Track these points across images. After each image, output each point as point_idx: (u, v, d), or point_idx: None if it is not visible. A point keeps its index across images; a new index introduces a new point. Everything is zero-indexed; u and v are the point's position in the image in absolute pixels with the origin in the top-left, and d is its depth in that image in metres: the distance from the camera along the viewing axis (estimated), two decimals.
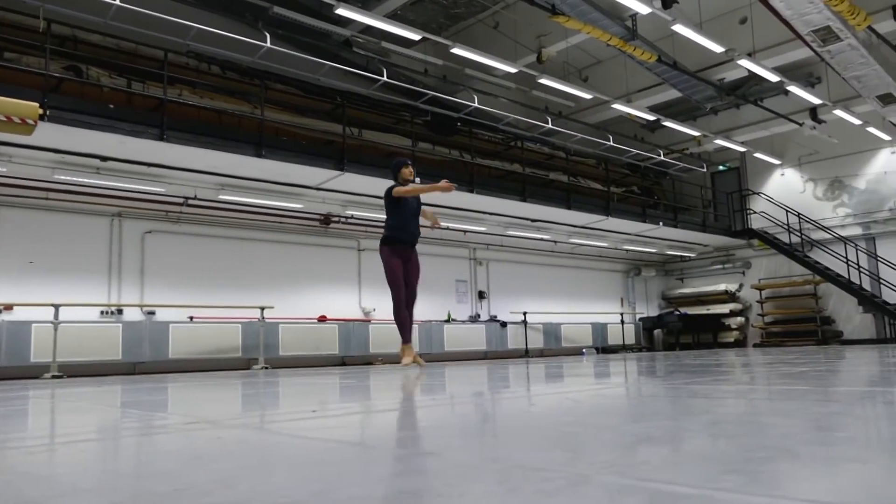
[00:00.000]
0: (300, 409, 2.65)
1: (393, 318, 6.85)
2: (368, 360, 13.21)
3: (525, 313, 15.96)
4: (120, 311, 11.26)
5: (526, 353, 15.62)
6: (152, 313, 11.39)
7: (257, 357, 11.16)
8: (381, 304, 14.39)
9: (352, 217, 13.11)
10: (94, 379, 7.65)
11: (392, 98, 13.47)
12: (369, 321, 13.94)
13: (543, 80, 13.91)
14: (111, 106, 9.17)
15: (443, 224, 13.76)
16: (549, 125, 14.58)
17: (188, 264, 12.05)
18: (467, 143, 13.82)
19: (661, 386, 3.37)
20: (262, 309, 11.36)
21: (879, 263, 16.69)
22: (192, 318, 11.47)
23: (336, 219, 13.28)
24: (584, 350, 16.62)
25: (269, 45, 10.79)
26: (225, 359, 11.35)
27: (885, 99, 13.53)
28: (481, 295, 16.39)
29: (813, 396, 2.45)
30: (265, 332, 11.47)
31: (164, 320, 11.05)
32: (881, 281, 16.53)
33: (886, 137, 16.44)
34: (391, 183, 6.99)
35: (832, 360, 5.86)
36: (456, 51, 12.40)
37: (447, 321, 15.09)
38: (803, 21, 10.88)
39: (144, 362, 10.49)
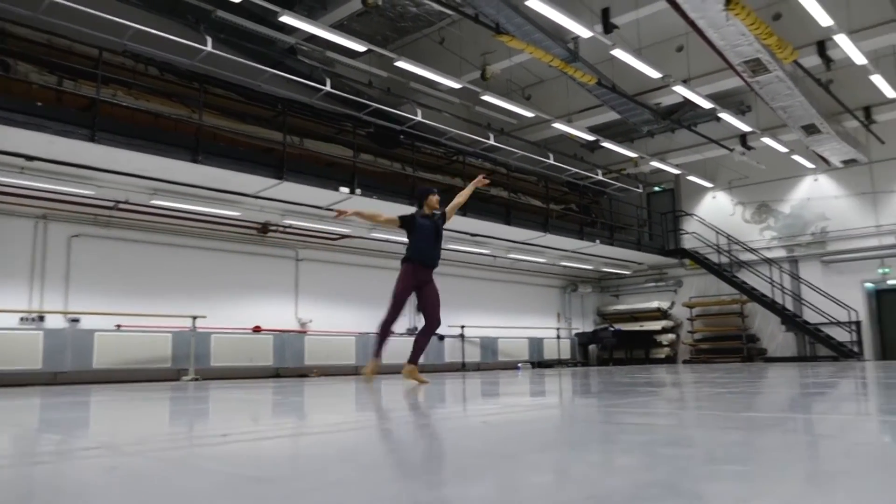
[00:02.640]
0: (212, 431, 2.59)
1: (379, 326, 6.98)
2: (303, 372, 13.03)
3: (463, 327, 16.02)
4: (41, 318, 10.80)
5: (463, 367, 15.66)
6: (76, 321, 10.96)
7: (187, 368, 10.87)
8: (318, 315, 14.24)
9: (290, 226, 12.94)
10: (8, 390, 7.32)
11: (335, 108, 13.41)
12: (305, 332, 13.75)
13: (487, 97, 14.06)
14: (39, 104, 8.83)
15: (382, 236, 13.79)
16: (492, 141, 14.73)
17: (117, 270, 11.67)
18: (410, 156, 13.84)
19: (582, 407, 3.43)
20: (194, 318, 11.08)
21: (801, 285, 17.43)
22: (119, 326, 11.09)
23: (274, 227, 13.08)
24: (519, 364, 16.77)
25: (209, 48, 10.60)
26: (153, 369, 11.01)
27: (809, 129, 14.19)
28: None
29: (722, 423, 2.54)
30: (196, 342, 11.18)
31: (89, 328, 10.65)
32: (802, 301, 17.26)
33: (810, 165, 17.22)
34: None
35: (753, 381, 6.07)
36: (400, 64, 12.43)
37: None
38: (735, 52, 11.34)
39: (66, 372, 10.08)
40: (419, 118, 13.27)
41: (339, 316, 14.60)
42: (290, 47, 13.61)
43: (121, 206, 10.87)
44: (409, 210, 7.47)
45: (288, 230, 13.18)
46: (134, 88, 10.49)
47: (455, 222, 13.99)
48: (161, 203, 10.78)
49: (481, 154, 15.74)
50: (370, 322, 15.00)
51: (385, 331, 6.94)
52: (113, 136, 9.07)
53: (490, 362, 16.58)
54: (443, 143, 15.00)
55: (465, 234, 14.85)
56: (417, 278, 6.90)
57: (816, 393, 4.44)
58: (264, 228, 13.04)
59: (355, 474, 1.43)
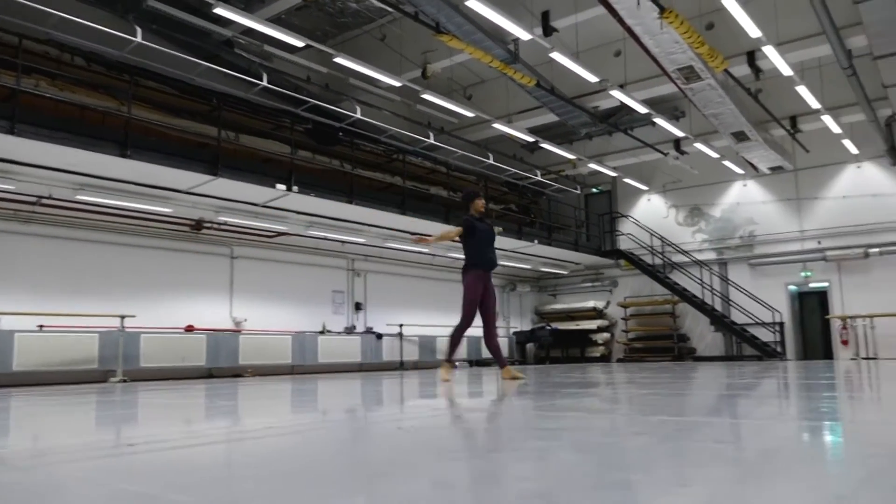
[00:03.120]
0: (123, 439, 2.52)
1: (451, 334, 6.97)
2: (238, 372, 12.81)
3: (401, 325, 16.01)
4: None
5: (401, 366, 15.65)
6: None
7: (115, 369, 10.54)
8: (253, 314, 14.00)
9: (225, 223, 12.67)
10: None
11: (272, 103, 13.19)
12: (240, 332, 13.51)
13: (427, 96, 14.07)
14: None
15: (320, 234, 13.66)
16: (432, 140, 14.75)
17: (40, 268, 11.20)
18: (348, 153, 13.75)
19: (500, 411, 3.47)
20: (122, 318, 10.75)
21: (730, 287, 18.06)
22: (41, 326, 10.66)
23: (208, 224, 12.79)
24: (456, 364, 16.85)
25: (139, 39, 10.27)
26: (79, 371, 10.62)
27: (739, 136, 14.69)
28: (358, 306, 16.29)
29: (633, 427, 2.61)
30: (125, 343, 10.85)
31: (9, 329, 10.20)
32: (730, 303, 17.89)
33: (740, 171, 17.85)
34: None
35: (678, 381, 6.24)
36: (340, 60, 12.34)
37: (322, 333, 14.88)
38: (670, 59, 11.64)
39: None
40: (358, 115, 13.18)
41: (275, 315, 14.39)
42: (226, 40, 13.31)
43: (44, 201, 10.44)
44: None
45: (223, 227, 12.91)
46: (58, 79, 10.08)
47: (394, 220, 13.99)
48: (87, 199, 10.40)
49: (421, 153, 15.75)
50: (308, 320, 14.91)
51: (457, 338, 6.97)
52: (35, 129, 8.71)
53: (428, 360, 16.61)
54: (382, 142, 14.93)
55: (405, 232, 14.83)
56: (484, 282, 6.94)
57: (735, 395, 4.60)
58: (198, 225, 12.75)
59: (257, 486, 1.41)
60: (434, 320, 17.36)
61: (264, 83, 11.93)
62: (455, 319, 6.99)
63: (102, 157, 9.39)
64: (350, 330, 15.84)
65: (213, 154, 10.83)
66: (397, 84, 13.82)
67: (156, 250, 12.78)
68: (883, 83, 12.81)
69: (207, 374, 12.51)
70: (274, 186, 11.51)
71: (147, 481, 1.53)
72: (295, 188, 11.74)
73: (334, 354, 14.64)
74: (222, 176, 10.71)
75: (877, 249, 16.26)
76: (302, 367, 13.92)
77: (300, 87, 13.69)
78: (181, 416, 3.85)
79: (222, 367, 12.62)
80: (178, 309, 12.83)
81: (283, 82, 13.19)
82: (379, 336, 15.73)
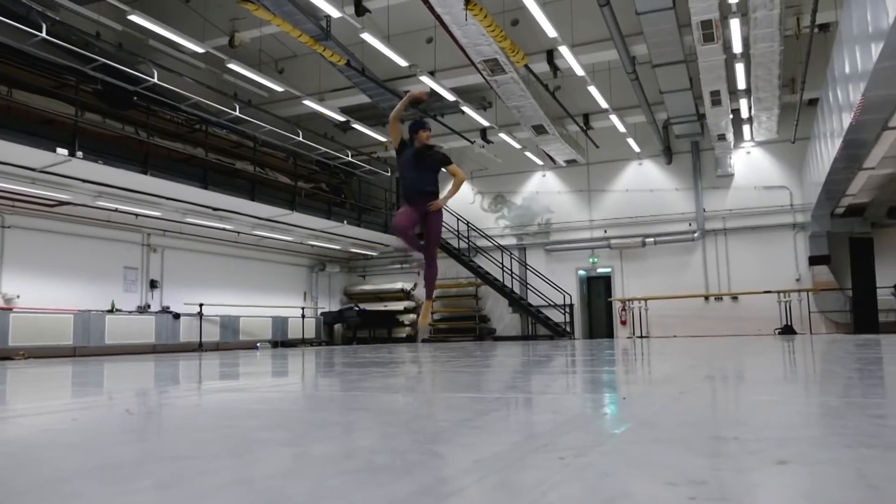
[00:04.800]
0: None
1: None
2: (7, 355, 11.51)
3: (201, 305, 15.28)
4: None
5: (200, 347, 14.95)
6: None
7: None
8: (28, 291, 12.67)
9: None
10: None
11: (55, 58, 11.90)
12: (10, 309, 12.13)
13: (234, 66, 13.47)
14: None
15: (111, 205, 12.61)
16: (237, 112, 14.13)
17: None
18: (144, 119, 12.78)
19: (270, 398, 3.45)
20: None
21: (528, 271, 19.27)
22: None
23: None
24: (258, 344, 16.43)
25: None
26: None
27: (539, 129, 15.66)
28: (153, 284, 15.28)
29: (402, 411, 2.70)
30: None
31: None
32: (528, 286, 19.09)
33: (539, 162, 19.05)
34: None
35: (468, 360, 6.56)
36: (135, 18, 11.41)
37: (111, 311, 13.78)
38: (476, 50, 12.09)
39: None
40: (156, 80, 12.29)
41: (56, 292, 13.10)
42: None
43: None
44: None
45: None
46: None
47: (195, 195, 13.26)
48: None
49: (227, 125, 15.05)
50: (95, 299, 13.75)
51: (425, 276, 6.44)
52: None
53: (230, 342, 16.03)
54: (184, 110, 14.06)
55: (207, 208, 14.13)
56: (417, 213, 6.03)
57: (522, 373, 4.92)
58: None
59: None
60: (238, 300, 16.77)
61: (43, 34, 10.73)
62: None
63: None
64: (143, 309, 14.82)
65: None
66: (200, 50, 13.08)
67: None
68: (660, 89, 14.29)
69: None
70: (55, 150, 10.45)
71: None
72: (80, 154, 10.74)
73: (124, 335, 13.65)
74: None
75: (652, 239, 18.16)
76: (86, 348, 12.84)
77: (89, 44, 12.47)
78: None
79: None
80: None
81: (68, 36, 11.95)
82: (176, 316, 14.90)
